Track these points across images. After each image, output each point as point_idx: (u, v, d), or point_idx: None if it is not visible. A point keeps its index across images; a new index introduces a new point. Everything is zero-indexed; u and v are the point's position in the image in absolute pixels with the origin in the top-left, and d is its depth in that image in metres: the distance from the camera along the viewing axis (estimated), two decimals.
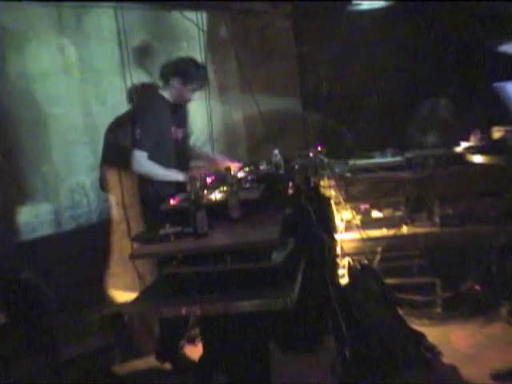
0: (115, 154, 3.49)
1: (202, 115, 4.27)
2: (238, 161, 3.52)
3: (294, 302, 2.08)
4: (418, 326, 3.34)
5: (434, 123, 4.25)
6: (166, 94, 3.27)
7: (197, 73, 3.27)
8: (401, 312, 3.34)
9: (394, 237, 3.73)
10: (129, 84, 3.64)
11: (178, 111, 3.36)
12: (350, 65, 4.74)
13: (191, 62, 3.33)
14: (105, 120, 3.53)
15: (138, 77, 3.67)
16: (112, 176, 3.51)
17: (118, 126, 3.54)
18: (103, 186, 3.53)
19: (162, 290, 2.30)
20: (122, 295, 3.44)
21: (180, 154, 3.34)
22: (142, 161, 3.09)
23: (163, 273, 2.32)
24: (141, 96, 3.58)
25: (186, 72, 3.23)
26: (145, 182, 3.19)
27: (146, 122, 3.13)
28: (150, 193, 3.18)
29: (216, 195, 2.71)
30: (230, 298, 2.12)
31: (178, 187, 3.11)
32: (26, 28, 3.20)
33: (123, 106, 3.61)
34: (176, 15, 4.03)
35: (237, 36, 4.45)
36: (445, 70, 4.54)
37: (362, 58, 4.67)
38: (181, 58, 3.40)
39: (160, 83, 3.34)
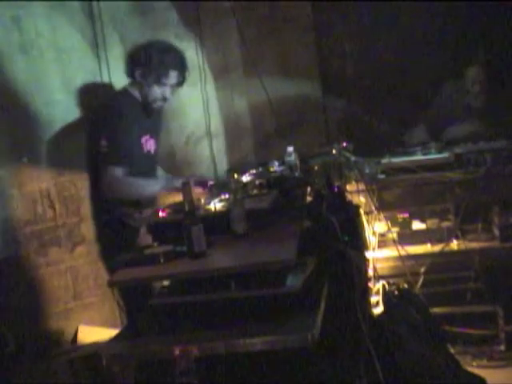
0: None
1: (197, 105, 4.31)
2: (244, 161, 3.55)
3: (316, 339, 2.08)
4: (475, 368, 3.34)
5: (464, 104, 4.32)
6: (135, 93, 3.24)
7: (168, 61, 3.16)
8: (452, 350, 3.34)
9: (442, 254, 3.74)
10: (104, 67, 3.68)
11: (150, 115, 3.32)
12: (382, 38, 4.77)
13: (159, 45, 3.22)
14: (73, 113, 3.57)
15: (117, 57, 3.72)
16: (84, 186, 3.56)
17: (66, 138, 3.49)
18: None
19: (150, 325, 2.32)
20: (99, 332, 3.48)
21: (150, 172, 3.34)
22: (121, 179, 3.06)
23: (150, 303, 2.35)
24: (103, 95, 3.56)
25: (151, 61, 3.13)
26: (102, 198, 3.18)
27: (113, 129, 3.08)
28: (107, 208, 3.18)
29: (216, 205, 2.74)
30: (236, 335, 2.13)
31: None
32: None
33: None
34: None
35: (239, 3, 4.49)
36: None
37: (399, 29, 4.69)
38: (147, 42, 3.27)
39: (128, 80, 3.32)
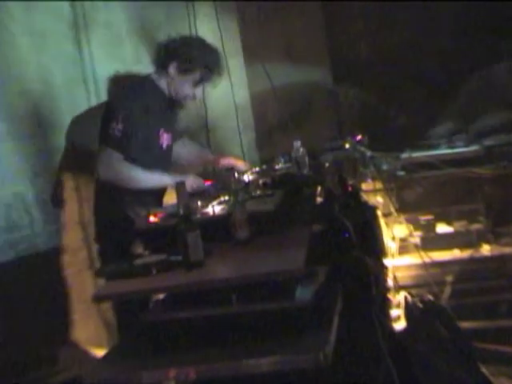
0: (77, 159, 3.55)
1: None
2: (244, 159, 3.57)
3: (329, 358, 2.09)
4: None
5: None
6: (161, 84, 3.32)
7: (211, 63, 3.29)
8: (485, 371, 3.35)
9: (471, 261, 3.75)
10: (86, 53, 3.69)
11: (172, 110, 3.43)
12: (400, 18, 4.77)
13: (199, 42, 3.36)
14: (50, 104, 3.59)
15: (100, 42, 3.73)
16: (69, 186, 3.56)
17: (87, 121, 3.56)
18: (56, 199, 3.59)
19: (141, 345, 2.33)
20: (83, 353, 3.49)
21: (164, 167, 3.39)
22: (115, 162, 3.11)
23: (142, 320, 2.35)
24: (127, 82, 3.60)
25: (193, 59, 3.24)
26: (108, 193, 3.22)
27: (132, 116, 3.14)
28: (112, 207, 3.21)
29: (215, 208, 2.75)
30: (238, 355, 2.13)
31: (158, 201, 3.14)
32: None
33: (77, 85, 3.67)
34: None
35: None
36: None
37: (417, 9, 4.69)
38: (185, 36, 3.43)
39: (154, 69, 3.36)
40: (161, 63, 3.31)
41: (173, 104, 3.40)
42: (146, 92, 3.27)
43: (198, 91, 3.37)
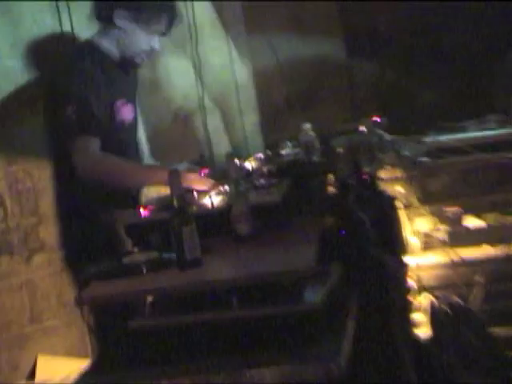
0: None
1: (186, 72, 4.32)
2: (247, 144, 3.56)
3: (343, 370, 2.10)
4: None
5: None
6: (107, 45, 3.24)
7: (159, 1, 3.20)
8: None
9: (505, 258, 3.75)
10: (66, 24, 3.68)
11: (127, 74, 3.35)
12: None
13: None
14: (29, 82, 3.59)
15: (82, 11, 3.73)
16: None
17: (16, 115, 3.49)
18: None
19: (129, 355, 2.33)
20: (63, 363, 3.50)
21: (128, 149, 3.33)
22: (96, 154, 3.04)
23: (130, 326, 2.36)
24: (65, 52, 3.54)
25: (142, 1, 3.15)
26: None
27: (81, 92, 3.06)
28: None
29: (213, 199, 2.75)
30: (239, 364, 2.14)
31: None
32: None
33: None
34: None
35: None
36: None
37: None
38: None
39: (98, 28, 3.30)
40: (104, 14, 3.21)
41: (125, 67, 3.31)
42: (87, 60, 3.16)
43: (155, 42, 3.26)
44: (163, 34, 3.32)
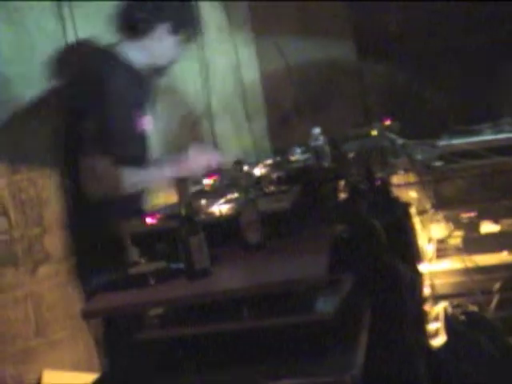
0: None
1: (193, 76, 4.32)
2: (255, 150, 3.56)
3: (357, 381, 2.08)
4: None
5: None
6: (136, 56, 3.24)
7: (188, 12, 3.28)
8: None
9: None
10: (70, 30, 3.68)
11: (147, 86, 3.37)
12: None
13: None
14: (32, 89, 3.59)
15: (86, 17, 3.73)
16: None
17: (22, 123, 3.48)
18: None
19: (137, 367, 2.33)
20: (70, 378, 3.49)
21: (142, 158, 3.32)
22: (114, 172, 3.02)
23: (138, 339, 2.35)
24: (83, 61, 3.50)
25: (177, 12, 3.22)
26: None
27: (105, 105, 3.05)
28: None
29: (221, 207, 2.75)
30: (249, 377, 2.13)
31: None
32: None
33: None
34: None
35: None
36: None
37: None
38: None
39: (117, 39, 3.28)
40: (141, 29, 3.20)
41: (147, 78, 3.32)
42: (113, 70, 3.14)
43: (179, 51, 3.32)
44: (189, 41, 3.36)
